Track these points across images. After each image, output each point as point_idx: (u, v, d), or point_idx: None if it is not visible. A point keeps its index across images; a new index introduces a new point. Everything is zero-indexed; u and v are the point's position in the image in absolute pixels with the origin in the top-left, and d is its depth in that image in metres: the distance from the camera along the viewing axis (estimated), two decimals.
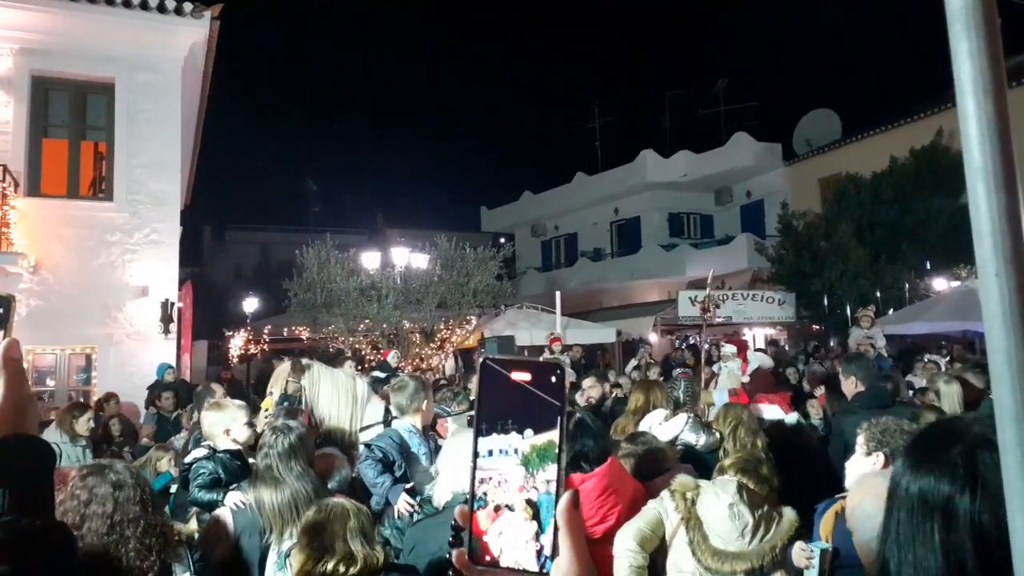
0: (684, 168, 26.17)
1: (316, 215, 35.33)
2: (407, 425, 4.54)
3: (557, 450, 0.73)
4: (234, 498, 3.64)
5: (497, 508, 0.73)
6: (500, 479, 0.74)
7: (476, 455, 0.75)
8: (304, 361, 5.52)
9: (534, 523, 0.73)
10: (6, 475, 0.98)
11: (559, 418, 0.73)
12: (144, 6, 12.08)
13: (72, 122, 12.53)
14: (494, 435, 0.74)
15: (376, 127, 70.93)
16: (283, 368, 5.68)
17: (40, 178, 12.08)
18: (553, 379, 0.74)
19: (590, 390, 8.32)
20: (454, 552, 0.75)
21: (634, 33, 61.23)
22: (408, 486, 4.07)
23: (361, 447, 4.42)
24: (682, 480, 2.97)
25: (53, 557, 1.00)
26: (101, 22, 12.01)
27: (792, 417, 5.44)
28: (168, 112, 12.61)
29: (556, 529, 0.72)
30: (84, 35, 12.02)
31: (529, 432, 0.73)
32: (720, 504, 2.79)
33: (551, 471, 0.73)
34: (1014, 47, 18.33)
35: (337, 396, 5.43)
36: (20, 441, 1.02)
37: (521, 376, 0.74)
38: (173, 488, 5.52)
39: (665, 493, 2.92)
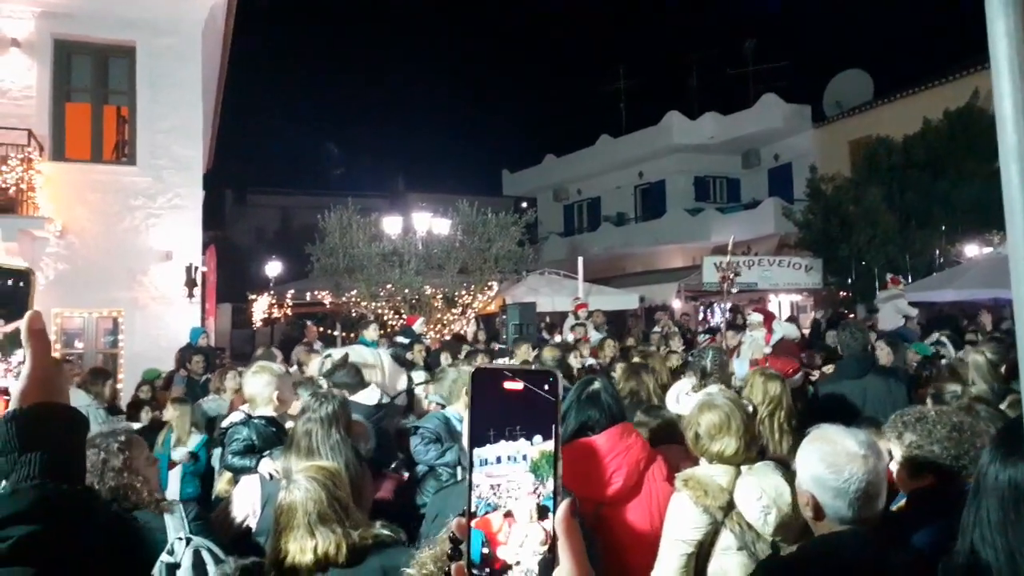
0: (711, 130, 25.77)
1: (337, 178, 35.46)
2: (455, 413, 4.74)
3: (554, 459, 0.73)
4: (267, 467, 3.71)
5: (508, 515, 0.74)
6: (510, 485, 0.74)
7: (472, 466, 0.75)
8: (352, 357, 5.61)
9: (543, 530, 0.73)
10: (37, 441, 1.03)
11: (553, 427, 0.73)
12: None
13: (94, 86, 12.59)
14: (502, 442, 0.74)
15: (398, 89, 70.56)
16: (315, 363, 5.74)
17: (64, 142, 12.19)
18: (546, 387, 0.74)
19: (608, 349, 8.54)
20: (452, 566, 0.75)
21: None
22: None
23: (412, 439, 4.65)
24: (700, 481, 2.76)
25: (80, 520, 1.04)
26: None
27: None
28: (189, 76, 12.60)
29: (555, 538, 0.72)
30: None
31: (538, 438, 0.73)
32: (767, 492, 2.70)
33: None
34: None
35: (369, 373, 5.52)
36: (50, 409, 1.06)
37: (514, 385, 0.74)
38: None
39: (694, 508, 2.72)
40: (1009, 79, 0.72)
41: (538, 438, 0.73)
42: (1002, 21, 0.71)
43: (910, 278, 14.72)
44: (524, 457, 0.73)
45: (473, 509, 0.74)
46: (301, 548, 2.36)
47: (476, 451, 0.74)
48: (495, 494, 0.74)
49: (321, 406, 3.49)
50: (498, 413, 0.74)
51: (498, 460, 0.74)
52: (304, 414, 3.53)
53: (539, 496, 0.73)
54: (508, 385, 0.74)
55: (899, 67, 33.63)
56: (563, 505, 0.73)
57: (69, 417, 1.08)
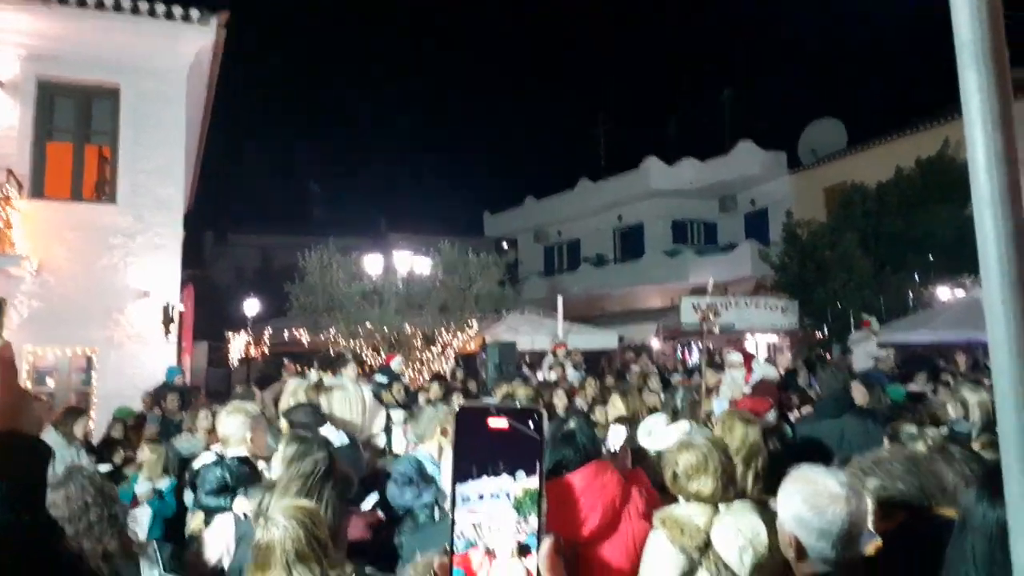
0: (689, 176, 26.16)
1: (319, 219, 35.41)
2: (425, 454, 4.65)
3: (538, 496, 0.74)
4: (242, 506, 3.66)
5: (490, 552, 0.73)
6: (491, 523, 0.74)
7: (454, 503, 0.75)
8: (326, 382, 5.51)
9: (524, 569, 0.73)
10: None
11: (538, 464, 0.74)
12: (151, 13, 12.11)
13: (77, 127, 12.56)
14: (484, 478, 0.74)
15: (380, 131, 71.11)
16: (292, 385, 5.63)
17: (44, 181, 12.11)
18: (531, 424, 0.74)
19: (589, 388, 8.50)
20: None
21: (640, 40, 61.34)
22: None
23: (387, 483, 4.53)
24: (677, 520, 2.75)
25: (39, 552, 1.02)
26: (108, 29, 12.04)
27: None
28: (172, 118, 12.63)
29: None
30: (91, 41, 12.05)
31: (522, 474, 0.74)
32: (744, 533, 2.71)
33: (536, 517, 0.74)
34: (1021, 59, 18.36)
35: (348, 406, 5.42)
36: (14, 439, 1.05)
37: (498, 423, 0.75)
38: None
39: (671, 548, 2.70)
40: (981, 130, 0.76)
41: (521, 474, 0.73)
42: (974, 74, 0.76)
43: (882, 319, 14.89)
44: (507, 494, 0.73)
45: (454, 547, 0.74)
46: None
47: (459, 488, 0.74)
48: (476, 532, 0.74)
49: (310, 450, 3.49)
50: (482, 450, 0.74)
51: (480, 497, 0.74)
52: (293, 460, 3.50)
53: (521, 534, 0.73)
54: (493, 423, 0.75)
55: (872, 116, 34.53)
56: (546, 543, 0.73)
57: (32, 448, 1.07)
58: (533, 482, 0.74)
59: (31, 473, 1.05)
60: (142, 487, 5.66)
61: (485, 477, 0.74)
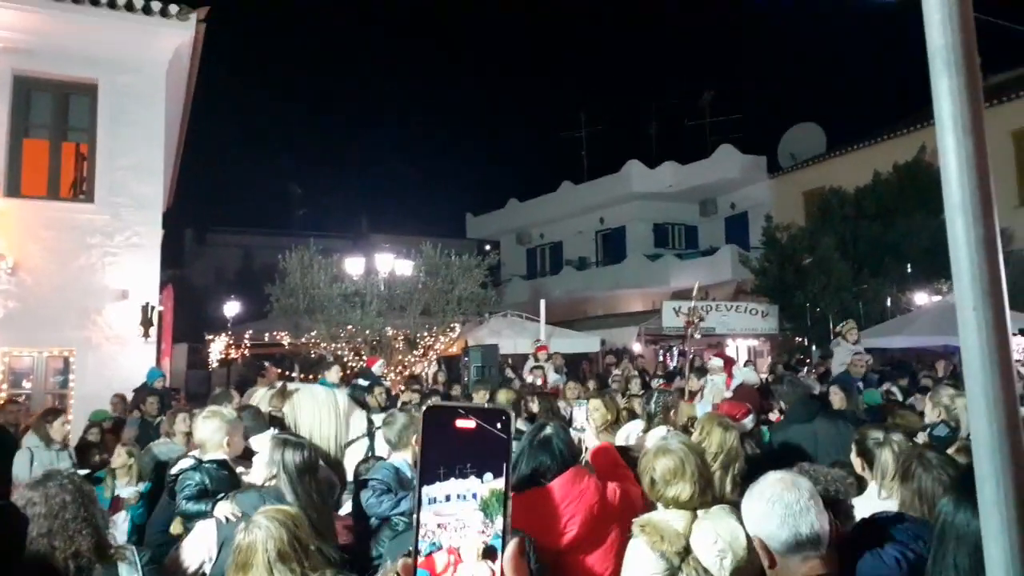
0: (669, 179, 26.29)
1: (300, 219, 35.18)
2: (400, 461, 4.54)
3: (503, 497, 0.73)
4: (224, 510, 3.62)
5: (455, 554, 0.73)
6: (457, 524, 0.73)
7: (420, 504, 0.75)
8: (289, 387, 5.40)
9: (490, 570, 0.72)
10: None
11: (505, 465, 0.74)
12: (129, 7, 11.96)
13: (54, 123, 12.38)
14: (452, 479, 0.73)
15: (362, 131, 70.83)
16: (259, 395, 5.56)
17: (20, 179, 11.91)
18: (499, 425, 0.74)
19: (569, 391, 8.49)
20: None
21: (622, 43, 61.56)
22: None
23: (363, 491, 4.42)
24: (656, 526, 2.75)
25: (2, 532, 1.01)
26: (85, 23, 11.87)
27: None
28: (151, 114, 12.48)
29: None
30: (68, 36, 11.88)
31: (489, 476, 0.73)
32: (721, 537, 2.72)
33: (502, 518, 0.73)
34: (994, 66, 18.66)
35: (319, 413, 5.31)
36: None
37: (466, 423, 0.74)
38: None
39: (651, 554, 2.70)
40: (953, 135, 0.77)
41: (489, 476, 0.73)
42: (945, 79, 0.77)
43: (860, 323, 15.00)
44: (474, 495, 0.73)
45: (419, 548, 0.74)
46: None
47: (425, 489, 0.74)
48: (443, 532, 0.73)
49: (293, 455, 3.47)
50: (450, 451, 0.74)
51: (447, 498, 0.73)
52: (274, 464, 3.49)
53: (487, 535, 0.73)
54: (460, 423, 0.74)
55: (850, 121, 34.89)
56: (511, 545, 0.72)
57: None
58: (500, 483, 0.73)
59: None
60: (127, 490, 5.60)
61: (452, 478, 0.73)
